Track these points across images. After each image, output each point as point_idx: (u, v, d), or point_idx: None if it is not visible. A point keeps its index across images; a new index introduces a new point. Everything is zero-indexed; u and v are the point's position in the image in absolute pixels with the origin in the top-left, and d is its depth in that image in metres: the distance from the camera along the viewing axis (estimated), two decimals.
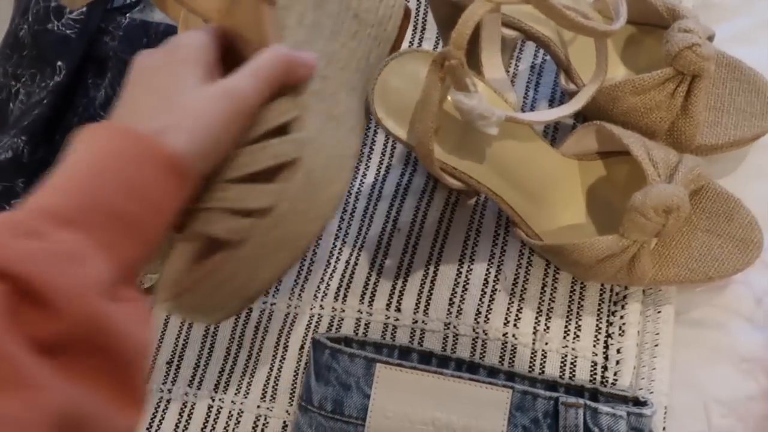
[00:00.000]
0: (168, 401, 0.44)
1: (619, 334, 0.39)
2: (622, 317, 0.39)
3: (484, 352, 0.40)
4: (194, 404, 0.44)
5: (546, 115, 0.37)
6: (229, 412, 0.43)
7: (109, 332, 0.23)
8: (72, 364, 0.21)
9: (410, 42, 0.51)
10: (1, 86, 0.58)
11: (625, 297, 0.40)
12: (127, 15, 0.58)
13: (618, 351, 0.39)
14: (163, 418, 0.44)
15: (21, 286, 0.21)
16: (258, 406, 0.42)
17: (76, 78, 0.54)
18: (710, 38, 0.39)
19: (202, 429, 0.43)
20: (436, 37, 0.50)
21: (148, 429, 0.44)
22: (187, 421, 0.43)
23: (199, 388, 0.44)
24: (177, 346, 0.46)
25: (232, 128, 0.29)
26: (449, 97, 0.35)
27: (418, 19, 0.51)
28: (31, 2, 0.56)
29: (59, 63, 0.53)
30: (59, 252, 0.23)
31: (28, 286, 0.21)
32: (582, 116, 0.43)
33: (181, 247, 0.33)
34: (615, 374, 0.38)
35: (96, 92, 0.53)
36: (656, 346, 0.38)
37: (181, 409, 0.44)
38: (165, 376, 0.45)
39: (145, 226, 0.26)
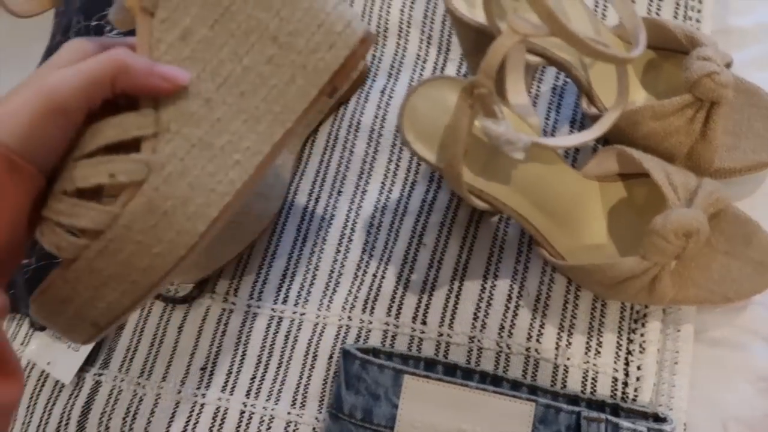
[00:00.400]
0: (202, 406, 0.46)
1: (640, 351, 0.40)
2: (642, 335, 0.40)
3: (508, 365, 0.42)
4: (227, 409, 0.46)
5: (570, 140, 0.39)
6: (261, 417, 0.45)
7: None
8: None
9: (434, 64, 0.52)
10: None
11: (645, 315, 0.41)
12: None
13: (638, 368, 0.40)
14: (197, 422, 0.46)
15: None
16: (288, 413, 0.44)
17: None
18: (728, 65, 0.40)
19: None
20: (460, 59, 0.52)
21: None
22: (220, 425, 0.45)
23: (231, 394, 0.46)
24: (210, 352, 0.48)
25: (49, 124, 0.28)
26: (477, 123, 0.36)
27: (442, 41, 0.53)
28: (72, 20, 0.59)
29: None
30: None
31: None
32: (603, 139, 0.44)
33: None
34: (635, 390, 0.40)
35: None
36: (676, 363, 0.39)
37: (215, 413, 0.46)
38: (199, 381, 0.47)
39: None
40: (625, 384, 0.40)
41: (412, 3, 0.54)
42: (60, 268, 0.29)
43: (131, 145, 0.29)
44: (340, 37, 0.31)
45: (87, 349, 0.51)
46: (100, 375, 0.50)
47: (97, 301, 0.29)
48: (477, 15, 0.41)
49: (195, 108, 0.29)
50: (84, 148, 0.29)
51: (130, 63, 0.29)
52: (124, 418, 0.48)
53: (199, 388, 0.47)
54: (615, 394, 0.40)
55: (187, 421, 0.46)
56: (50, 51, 0.61)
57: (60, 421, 0.49)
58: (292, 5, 0.30)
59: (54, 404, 0.50)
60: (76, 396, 0.50)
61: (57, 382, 0.51)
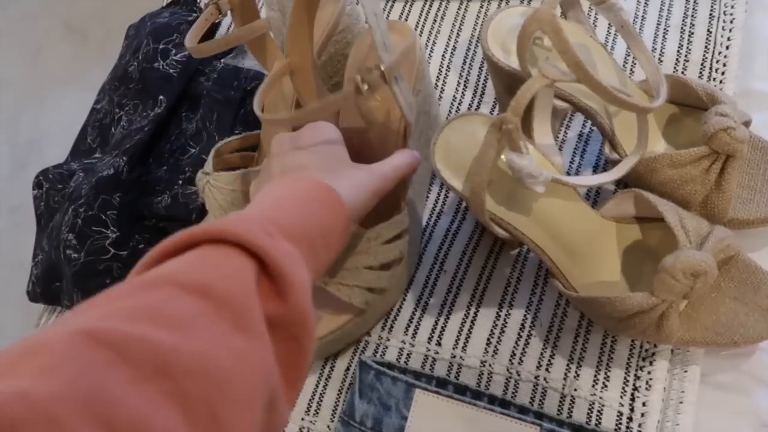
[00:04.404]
0: None
1: (646, 388, 0.41)
2: (649, 373, 0.42)
3: (516, 391, 0.43)
4: None
5: (588, 180, 0.41)
6: None
7: (307, 327, 0.28)
8: (276, 343, 0.26)
9: (470, 105, 0.56)
10: (105, 112, 0.66)
11: (653, 354, 0.42)
12: (222, 60, 0.66)
13: (644, 404, 0.41)
14: None
15: (265, 267, 0.27)
16: (302, 419, 0.46)
17: (172, 111, 0.61)
18: (747, 123, 0.43)
19: None
20: (493, 103, 0.56)
21: None
22: None
23: None
24: None
25: (373, 200, 0.39)
26: (503, 156, 0.39)
27: (478, 86, 0.57)
28: (142, 43, 0.65)
29: (161, 97, 0.61)
30: (289, 252, 0.29)
31: (270, 268, 0.27)
32: (622, 183, 0.47)
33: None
34: (639, 426, 0.40)
35: (188, 124, 0.61)
36: (681, 403, 0.40)
37: None
38: None
39: (320, 259, 0.34)
40: (630, 419, 0.41)
41: (453, 50, 0.59)
42: (354, 318, 0.45)
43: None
44: None
45: None
46: None
47: (364, 331, 0.48)
48: (511, 61, 0.45)
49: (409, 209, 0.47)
50: (381, 238, 0.44)
51: (418, 160, 0.43)
52: None
53: None
54: (619, 428, 0.41)
55: None
56: (118, 69, 0.67)
57: None
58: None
59: None
60: None
61: None
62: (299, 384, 0.28)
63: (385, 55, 0.40)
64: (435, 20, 0.60)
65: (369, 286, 0.44)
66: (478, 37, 0.58)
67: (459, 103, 0.56)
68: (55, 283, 0.59)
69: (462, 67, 0.58)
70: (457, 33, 0.59)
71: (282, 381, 0.26)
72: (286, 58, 0.46)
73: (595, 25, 0.55)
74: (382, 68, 0.40)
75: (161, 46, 0.63)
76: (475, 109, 0.56)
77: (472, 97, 0.56)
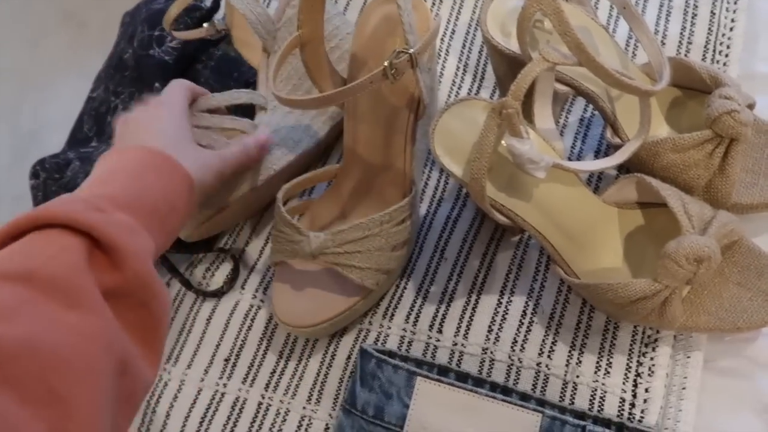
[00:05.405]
0: (222, 395, 0.48)
1: (648, 375, 0.41)
2: (652, 359, 0.42)
3: (518, 378, 0.43)
4: (246, 400, 0.48)
5: (590, 165, 0.41)
6: (277, 410, 0.47)
7: (153, 291, 0.29)
8: (123, 312, 0.27)
9: (469, 90, 0.55)
10: (102, 101, 0.66)
11: (656, 340, 0.42)
12: (219, 47, 0.65)
13: (646, 390, 0.41)
14: (217, 410, 0.48)
15: (95, 241, 0.28)
16: (304, 407, 0.46)
17: None
18: (751, 106, 0.42)
19: (251, 423, 0.47)
20: (493, 87, 0.55)
21: (202, 419, 0.48)
22: (238, 414, 0.47)
23: (251, 386, 0.48)
24: (235, 345, 0.50)
25: (218, 179, 0.43)
26: (503, 142, 0.39)
27: (478, 70, 0.56)
28: (137, 30, 0.64)
29: (157, 84, 0.60)
30: (122, 223, 0.30)
31: (102, 242, 0.28)
32: (625, 168, 0.46)
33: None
34: (642, 412, 0.40)
35: None
36: (684, 389, 0.40)
37: (234, 402, 0.48)
38: (222, 371, 0.49)
39: (168, 222, 0.35)
40: (632, 405, 0.41)
41: (452, 33, 0.58)
42: (363, 299, 0.46)
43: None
44: None
45: None
46: None
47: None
48: (511, 44, 0.44)
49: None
50: (394, 220, 0.45)
51: (254, 151, 0.48)
52: (148, 401, 0.50)
53: (221, 378, 0.49)
54: (621, 414, 0.41)
55: (207, 408, 0.48)
56: (114, 57, 0.66)
57: None
58: None
59: None
60: None
61: None
62: (159, 345, 0.30)
63: (411, 37, 0.40)
64: (434, 3, 0.59)
65: (380, 267, 0.44)
66: (477, 21, 0.57)
67: (458, 88, 0.56)
68: None
69: (461, 50, 0.57)
70: (456, 16, 0.58)
71: (138, 345, 0.28)
72: (298, 30, 0.46)
73: (597, 7, 0.54)
74: (411, 52, 0.39)
75: (156, 33, 0.62)
76: (475, 94, 0.55)
77: (471, 82, 0.55)
